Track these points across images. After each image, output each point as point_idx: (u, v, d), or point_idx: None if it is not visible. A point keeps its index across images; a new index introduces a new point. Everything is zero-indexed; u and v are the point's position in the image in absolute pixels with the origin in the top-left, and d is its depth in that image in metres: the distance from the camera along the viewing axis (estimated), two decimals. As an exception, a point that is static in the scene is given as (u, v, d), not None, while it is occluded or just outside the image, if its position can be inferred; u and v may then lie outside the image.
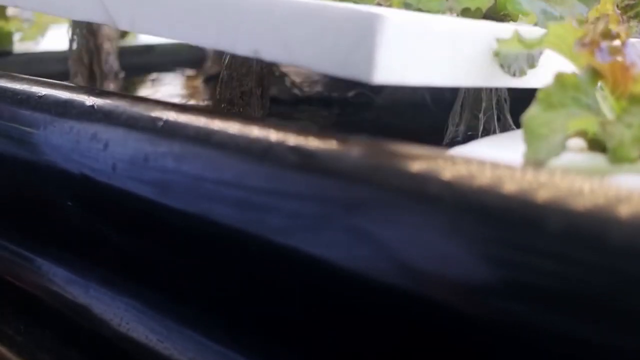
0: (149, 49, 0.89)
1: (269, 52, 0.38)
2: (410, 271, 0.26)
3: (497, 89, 0.48)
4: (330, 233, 0.28)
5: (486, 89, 0.48)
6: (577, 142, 0.34)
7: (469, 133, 0.49)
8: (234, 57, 0.52)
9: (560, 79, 0.31)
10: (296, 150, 0.30)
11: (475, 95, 0.48)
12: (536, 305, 0.23)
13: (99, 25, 0.68)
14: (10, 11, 0.75)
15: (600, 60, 0.32)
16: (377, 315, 0.28)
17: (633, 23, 0.55)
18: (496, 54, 0.37)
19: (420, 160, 0.27)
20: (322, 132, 0.31)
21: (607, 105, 0.32)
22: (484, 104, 0.48)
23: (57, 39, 0.86)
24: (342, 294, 0.29)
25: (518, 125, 0.49)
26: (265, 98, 0.54)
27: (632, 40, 0.35)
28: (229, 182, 0.32)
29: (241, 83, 0.52)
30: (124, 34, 0.86)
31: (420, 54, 0.36)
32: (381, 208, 0.27)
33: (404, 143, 0.28)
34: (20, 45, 0.80)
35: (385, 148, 0.28)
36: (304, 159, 0.29)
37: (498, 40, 0.37)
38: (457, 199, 0.25)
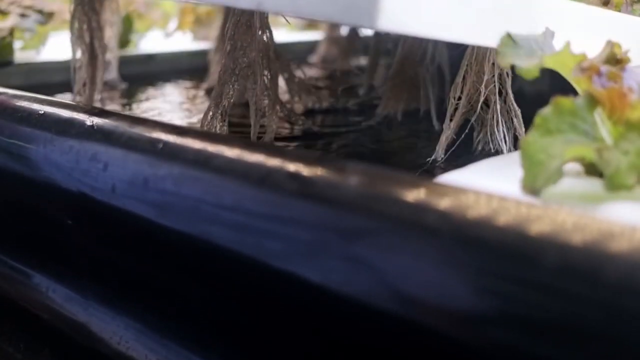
0: (149, 57, 0.89)
1: (272, 4, 0.37)
2: (407, 299, 0.27)
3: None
4: (328, 260, 0.28)
5: (489, 61, 0.47)
6: (574, 167, 0.34)
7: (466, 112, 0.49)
8: (237, 26, 0.51)
9: (557, 104, 0.32)
10: (295, 177, 0.30)
11: (477, 68, 0.47)
12: (530, 336, 0.23)
13: (101, 3, 0.67)
14: (9, 22, 0.75)
15: (598, 86, 0.32)
16: (373, 341, 0.28)
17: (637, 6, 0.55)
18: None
19: (418, 190, 0.27)
20: (321, 158, 0.31)
21: (604, 131, 0.32)
22: (485, 77, 0.47)
23: (58, 48, 0.87)
24: (339, 320, 0.29)
25: (518, 102, 0.49)
26: (273, 69, 0.52)
27: (630, 66, 0.35)
28: (227, 206, 0.33)
29: (245, 52, 0.51)
30: (124, 44, 0.87)
31: (427, 3, 0.34)
32: (377, 237, 0.27)
33: (402, 171, 0.29)
34: (21, 54, 0.80)
35: (383, 176, 0.29)
36: (302, 186, 0.29)
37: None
38: (453, 230, 0.25)
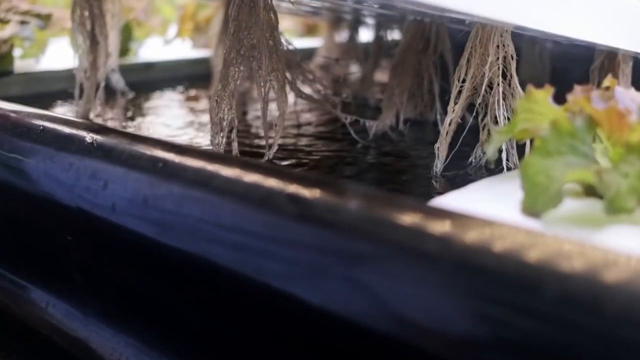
0: (148, 66, 0.89)
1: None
2: (405, 323, 0.27)
3: (504, 45, 0.46)
4: (327, 283, 0.28)
5: (494, 43, 0.46)
6: (574, 187, 0.34)
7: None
8: (240, 7, 0.49)
9: (556, 126, 0.32)
10: (295, 199, 0.30)
11: (482, 50, 0.46)
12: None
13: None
14: (8, 31, 0.75)
15: (596, 107, 0.32)
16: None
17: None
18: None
19: (416, 214, 0.27)
20: (320, 180, 0.31)
21: (603, 152, 0.32)
22: (489, 58, 0.46)
23: (57, 55, 0.87)
24: (337, 341, 0.29)
25: (523, 85, 0.47)
26: (278, 50, 0.50)
27: (618, 88, 0.35)
28: (227, 226, 0.33)
29: (250, 33, 0.49)
30: (124, 52, 0.87)
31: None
32: (376, 261, 0.27)
33: (402, 195, 0.29)
34: (21, 63, 0.80)
35: (381, 200, 0.29)
36: (302, 209, 0.29)
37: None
38: (452, 256, 0.25)
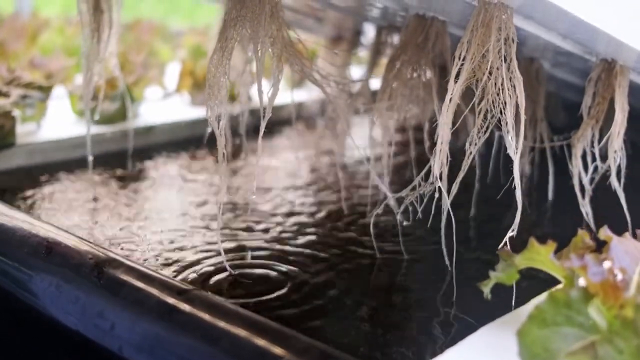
0: (148, 129, 0.90)
1: None
2: None
3: (506, 27, 0.44)
4: None
5: (496, 24, 0.44)
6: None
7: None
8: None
9: (553, 297, 0.33)
10: None
11: (483, 30, 0.44)
12: None
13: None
14: (10, 102, 0.76)
15: (592, 279, 0.33)
16: None
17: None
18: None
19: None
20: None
21: (600, 322, 0.33)
22: (491, 40, 0.44)
23: (57, 117, 0.88)
24: None
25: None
26: (279, 18, 0.48)
27: (616, 239, 0.36)
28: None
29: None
30: (122, 116, 0.87)
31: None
32: None
33: None
34: (21, 128, 0.81)
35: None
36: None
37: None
38: None
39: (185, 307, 0.37)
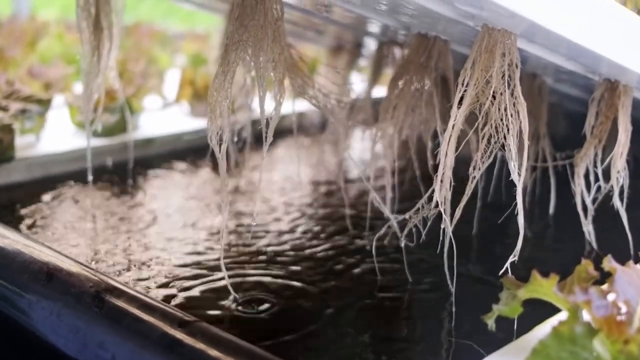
0: (148, 141, 0.89)
1: None
2: None
3: (509, 52, 0.44)
4: None
5: (499, 50, 0.44)
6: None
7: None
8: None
9: (557, 332, 0.32)
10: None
11: (487, 56, 0.44)
12: None
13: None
14: (8, 118, 0.76)
15: (596, 313, 0.33)
16: None
17: None
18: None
19: None
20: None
21: (605, 357, 0.33)
22: (495, 66, 0.44)
23: (56, 128, 0.87)
24: None
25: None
26: (282, 41, 0.48)
27: (619, 270, 0.36)
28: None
29: (254, 19, 0.47)
30: (122, 128, 0.87)
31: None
32: None
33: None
34: (20, 140, 0.80)
35: None
36: None
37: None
38: None
39: (188, 340, 0.36)
